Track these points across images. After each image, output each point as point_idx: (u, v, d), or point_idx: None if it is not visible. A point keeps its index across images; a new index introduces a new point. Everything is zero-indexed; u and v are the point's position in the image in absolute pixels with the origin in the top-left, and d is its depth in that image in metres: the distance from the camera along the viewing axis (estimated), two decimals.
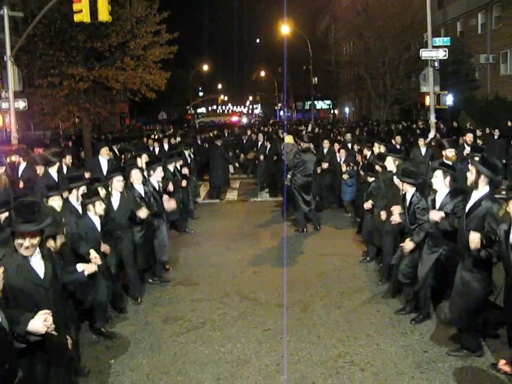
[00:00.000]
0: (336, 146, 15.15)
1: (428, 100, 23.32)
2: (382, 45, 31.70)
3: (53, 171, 10.42)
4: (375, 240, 9.50)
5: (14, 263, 4.34)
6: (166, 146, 18.47)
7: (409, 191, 7.31)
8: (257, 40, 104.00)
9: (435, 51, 22.37)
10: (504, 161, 16.76)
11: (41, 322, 3.98)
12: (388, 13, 31.15)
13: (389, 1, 31.47)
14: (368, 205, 9.45)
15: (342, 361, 6.20)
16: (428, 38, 22.97)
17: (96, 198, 7.11)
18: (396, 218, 7.52)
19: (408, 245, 7.04)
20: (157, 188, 9.48)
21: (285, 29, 53.47)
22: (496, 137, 19.36)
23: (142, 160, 10.82)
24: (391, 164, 8.87)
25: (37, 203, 4.69)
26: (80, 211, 7.10)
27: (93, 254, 6.45)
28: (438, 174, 6.80)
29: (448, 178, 6.75)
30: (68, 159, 12.12)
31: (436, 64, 22.72)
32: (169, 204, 9.75)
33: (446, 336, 6.64)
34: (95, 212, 7.04)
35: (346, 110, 64.14)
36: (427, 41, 23.16)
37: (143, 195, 8.87)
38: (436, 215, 6.56)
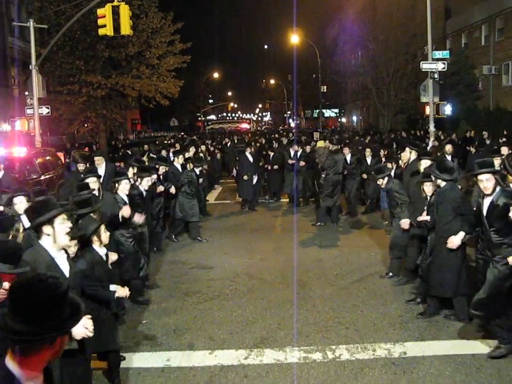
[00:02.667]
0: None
1: (427, 110, 24.69)
2: (386, 57, 33.11)
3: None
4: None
5: (44, 261, 4.56)
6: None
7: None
8: (265, 46, 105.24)
9: (435, 63, 23.75)
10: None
11: (82, 327, 4.01)
12: (392, 26, 32.60)
13: (393, 14, 32.94)
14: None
15: (331, 322, 7.61)
16: (428, 51, 24.37)
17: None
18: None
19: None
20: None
21: (295, 38, 55.13)
22: (488, 144, 20.65)
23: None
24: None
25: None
26: None
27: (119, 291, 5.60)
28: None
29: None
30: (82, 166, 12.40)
31: (436, 75, 24.09)
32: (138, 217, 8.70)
33: (418, 305, 8.02)
34: (101, 242, 5.79)
35: (354, 118, 65.54)
36: (427, 54, 24.56)
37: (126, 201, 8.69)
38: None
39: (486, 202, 6.47)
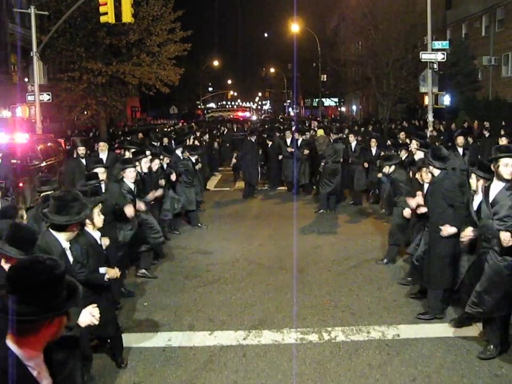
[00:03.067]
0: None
1: (426, 100, 24.88)
2: (386, 46, 33.17)
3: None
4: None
5: (56, 250, 4.85)
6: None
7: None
8: (266, 34, 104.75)
9: (434, 54, 23.91)
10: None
11: (88, 315, 4.27)
12: (392, 15, 32.64)
13: (394, 4, 32.97)
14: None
15: (328, 305, 7.84)
16: (427, 42, 24.49)
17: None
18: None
19: None
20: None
21: (295, 27, 55.13)
22: (487, 136, 20.79)
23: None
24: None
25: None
26: None
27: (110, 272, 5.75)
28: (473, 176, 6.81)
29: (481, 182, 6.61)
30: (82, 150, 12.79)
31: (435, 66, 24.24)
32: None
33: (413, 290, 8.25)
34: (94, 225, 5.91)
35: (354, 107, 65.60)
36: (427, 44, 24.68)
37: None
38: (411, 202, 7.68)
39: (493, 189, 6.17)
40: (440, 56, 23.73)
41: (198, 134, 21.83)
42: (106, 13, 17.88)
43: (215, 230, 12.93)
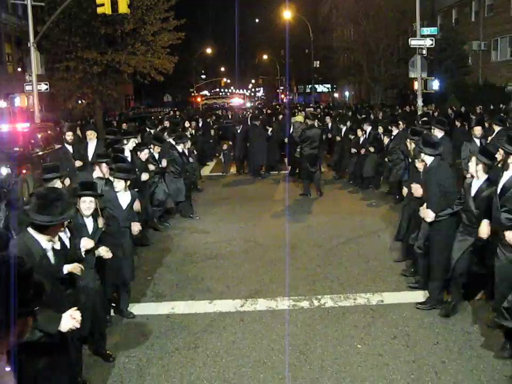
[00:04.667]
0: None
1: (416, 85, 25.44)
2: (377, 33, 33.73)
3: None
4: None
5: (36, 252, 4.54)
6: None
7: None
8: (257, 20, 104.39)
9: (423, 40, 24.42)
10: None
11: (69, 318, 4.03)
12: (382, 2, 33.17)
13: None
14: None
15: (318, 277, 8.50)
16: (416, 28, 25.01)
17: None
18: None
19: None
20: None
21: (287, 13, 55.50)
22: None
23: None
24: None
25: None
26: None
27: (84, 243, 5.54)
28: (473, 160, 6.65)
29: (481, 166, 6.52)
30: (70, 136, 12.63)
31: (424, 52, 24.77)
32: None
33: (401, 264, 8.91)
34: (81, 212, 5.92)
35: (346, 93, 66.10)
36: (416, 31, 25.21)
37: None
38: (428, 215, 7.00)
39: (501, 181, 6.10)
40: (428, 42, 24.20)
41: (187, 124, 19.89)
42: (103, 4, 18.33)
43: (211, 212, 13.52)
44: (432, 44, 24.40)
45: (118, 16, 27.95)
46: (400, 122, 14.52)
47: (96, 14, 23.27)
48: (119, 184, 7.13)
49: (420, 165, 7.82)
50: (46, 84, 24.76)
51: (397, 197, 13.18)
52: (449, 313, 6.89)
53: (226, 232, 11.49)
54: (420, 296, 7.54)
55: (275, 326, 6.80)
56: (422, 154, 7.33)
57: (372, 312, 7.10)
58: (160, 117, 36.39)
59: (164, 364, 5.95)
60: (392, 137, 14.27)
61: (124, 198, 7.13)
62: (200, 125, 22.89)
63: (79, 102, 34.33)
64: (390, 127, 14.73)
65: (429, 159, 7.24)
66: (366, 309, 7.20)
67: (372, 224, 11.58)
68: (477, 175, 6.57)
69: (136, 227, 7.25)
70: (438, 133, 10.28)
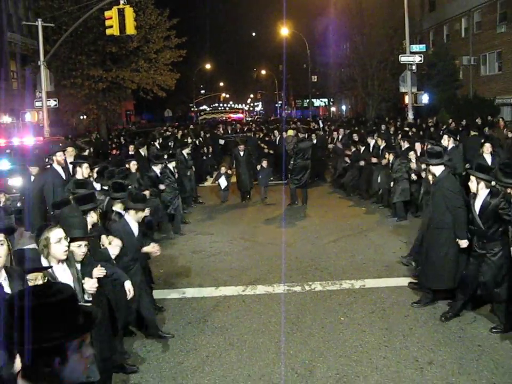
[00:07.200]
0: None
1: (406, 99, 26.79)
2: (370, 49, 35.18)
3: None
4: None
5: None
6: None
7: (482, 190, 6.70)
8: (253, 34, 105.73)
9: (412, 56, 25.81)
10: None
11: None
12: (375, 21, 34.65)
13: (376, 9, 34.98)
14: None
15: (310, 268, 9.74)
16: (406, 45, 26.42)
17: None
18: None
19: None
20: None
21: (284, 30, 57.05)
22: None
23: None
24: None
25: None
26: None
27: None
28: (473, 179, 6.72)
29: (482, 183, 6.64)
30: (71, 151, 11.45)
31: (414, 67, 26.13)
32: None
33: (384, 257, 10.15)
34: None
35: (343, 107, 67.60)
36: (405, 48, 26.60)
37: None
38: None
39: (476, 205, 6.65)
40: (417, 59, 25.60)
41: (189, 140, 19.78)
42: (111, 26, 19.66)
43: (215, 217, 14.80)
44: (421, 60, 25.78)
45: (122, 34, 29.43)
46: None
47: (102, 33, 24.63)
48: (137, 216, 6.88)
49: (431, 178, 7.79)
50: (55, 100, 26.02)
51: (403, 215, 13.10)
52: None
53: (228, 233, 12.74)
54: (398, 281, 8.76)
55: (272, 305, 8.01)
56: (430, 167, 7.46)
57: (354, 294, 8.32)
58: (162, 131, 37.69)
59: (180, 334, 7.14)
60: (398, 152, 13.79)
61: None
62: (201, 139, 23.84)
63: (85, 117, 35.62)
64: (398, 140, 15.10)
65: (437, 170, 7.30)
66: (350, 292, 8.43)
67: (361, 226, 12.82)
68: (478, 193, 6.69)
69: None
70: (449, 143, 10.87)
